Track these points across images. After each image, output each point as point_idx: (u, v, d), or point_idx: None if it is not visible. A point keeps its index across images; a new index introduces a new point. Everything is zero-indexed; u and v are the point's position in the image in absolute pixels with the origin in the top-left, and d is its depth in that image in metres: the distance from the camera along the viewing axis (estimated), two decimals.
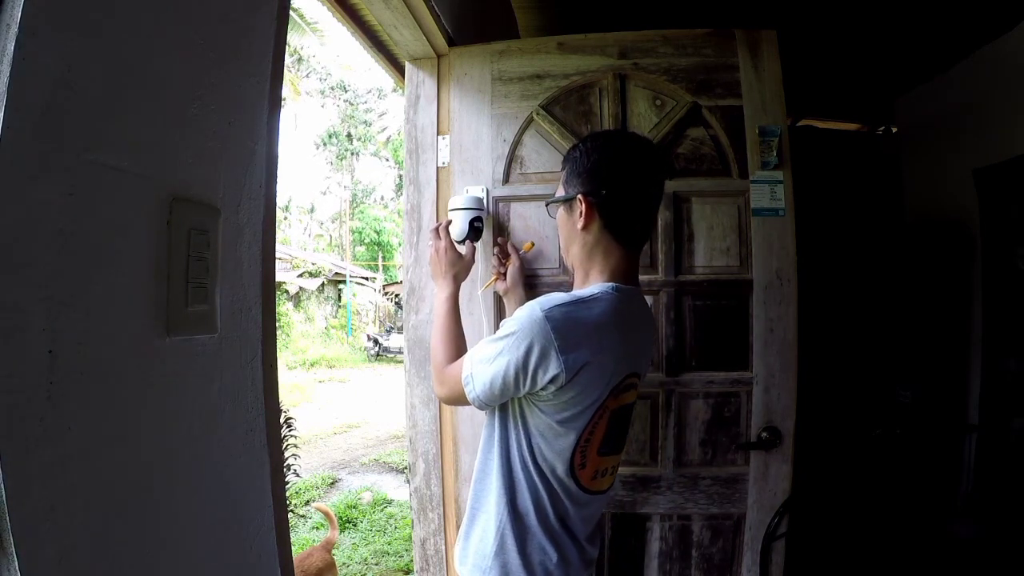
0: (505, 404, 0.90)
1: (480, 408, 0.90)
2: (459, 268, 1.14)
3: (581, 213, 0.90)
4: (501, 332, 0.84)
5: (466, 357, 0.91)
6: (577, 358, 0.80)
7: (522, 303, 1.03)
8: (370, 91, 21.58)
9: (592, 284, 0.91)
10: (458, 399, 0.92)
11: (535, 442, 0.88)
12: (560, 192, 0.96)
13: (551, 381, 0.80)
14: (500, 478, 0.90)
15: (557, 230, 0.99)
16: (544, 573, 0.89)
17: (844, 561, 1.99)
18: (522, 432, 0.88)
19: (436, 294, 1.14)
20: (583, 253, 0.92)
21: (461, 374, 0.89)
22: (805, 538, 1.56)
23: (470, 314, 1.40)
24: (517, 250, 1.30)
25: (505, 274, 1.28)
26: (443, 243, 1.16)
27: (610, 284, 0.88)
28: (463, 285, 1.17)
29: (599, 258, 0.91)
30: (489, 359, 0.84)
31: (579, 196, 0.90)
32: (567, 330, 0.80)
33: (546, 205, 1.01)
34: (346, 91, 20.66)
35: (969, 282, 2.13)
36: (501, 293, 1.31)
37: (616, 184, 0.89)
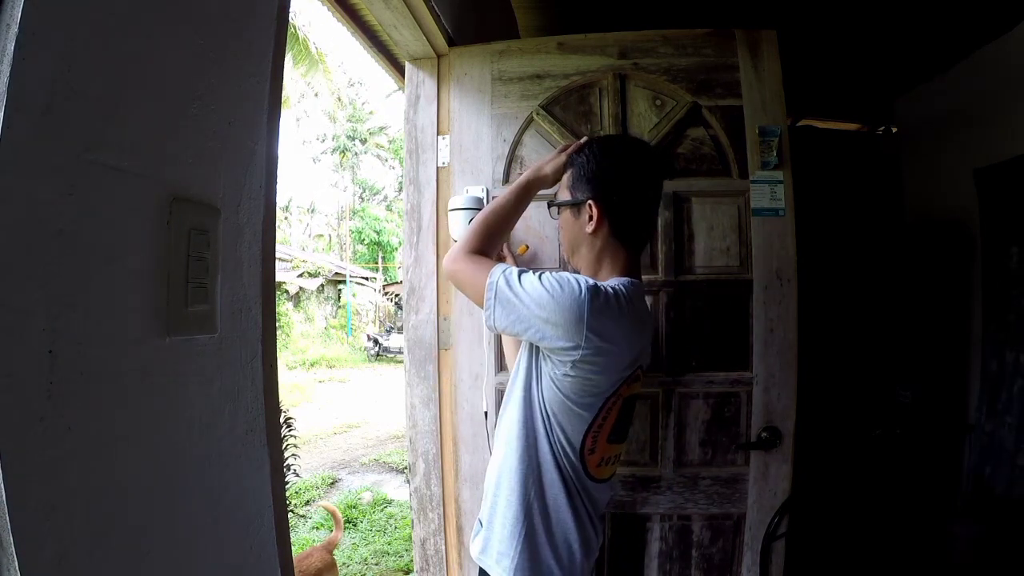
0: (530, 387, 0.90)
1: (490, 327, 0.88)
2: (551, 172, 1.03)
3: (591, 218, 0.91)
4: (546, 280, 0.83)
5: (500, 267, 0.88)
6: (601, 336, 0.81)
7: None
8: (352, 85, 21.30)
9: (605, 279, 0.92)
10: (465, 287, 0.92)
11: (560, 420, 0.88)
12: (565, 195, 0.97)
13: (566, 349, 0.81)
14: (525, 463, 0.90)
15: (557, 230, 0.99)
16: (568, 553, 0.90)
17: (844, 561, 1.99)
18: (548, 409, 0.89)
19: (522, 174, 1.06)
20: (591, 255, 0.95)
21: (488, 280, 0.86)
22: (805, 538, 1.56)
23: (470, 315, 1.40)
24: (513, 254, 1.30)
25: None
26: (555, 158, 1.05)
27: (626, 279, 0.91)
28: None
29: (607, 260, 0.94)
30: (519, 295, 0.83)
31: (590, 201, 0.91)
32: (599, 309, 0.81)
33: (549, 206, 1.02)
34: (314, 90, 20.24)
35: (969, 282, 2.13)
36: None
37: (625, 190, 0.92)
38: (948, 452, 2.11)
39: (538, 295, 0.82)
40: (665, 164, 1.05)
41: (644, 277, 1.35)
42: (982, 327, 2.07)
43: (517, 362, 0.96)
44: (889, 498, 2.07)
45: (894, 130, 2.71)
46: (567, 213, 0.97)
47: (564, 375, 0.85)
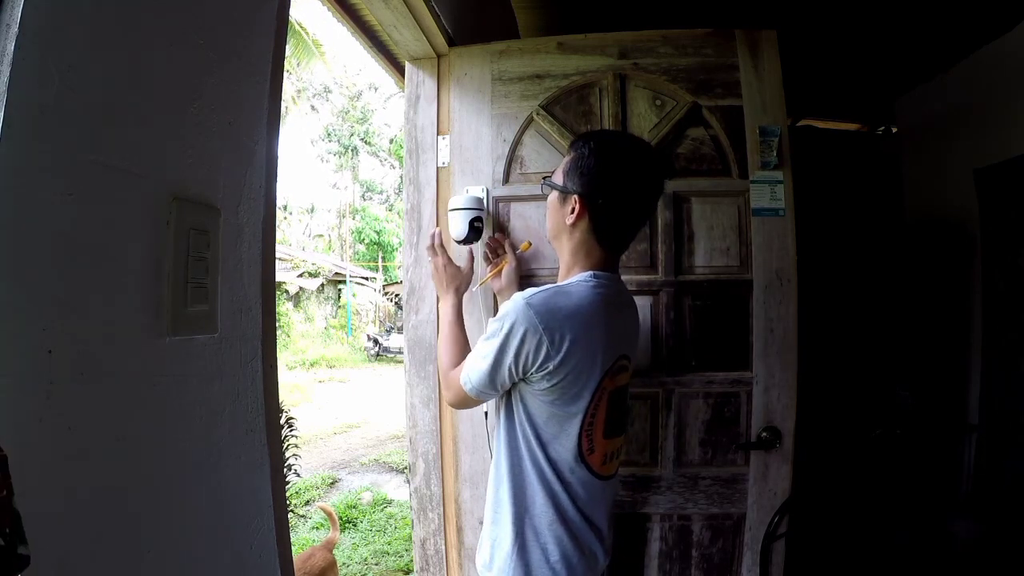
0: (511, 406, 0.93)
1: (482, 399, 0.95)
2: (460, 281, 1.19)
3: (573, 210, 0.93)
4: (490, 328, 0.89)
5: (466, 360, 0.95)
6: (563, 337, 0.84)
7: None
8: (367, 88, 21.47)
9: (573, 275, 0.95)
10: (464, 401, 0.96)
11: (544, 437, 0.90)
12: (559, 178, 0.97)
13: (542, 363, 0.84)
14: (514, 480, 0.92)
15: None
16: (568, 568, 0.90)
17: (844, 561, 1.99)
18: (529, 430, 0.91)
19: (440, 305, 1.18)
20: (570, 247, 0.97)
21: (461, 375, 0.94)
22: (805, 538, 1.56)
23: (469, 315, 1.40)
24: (514, 249, 1.30)
25: (501, 271, 1.29)
26: (441, 260, 1.20)
27: (588, 272, 0.93)
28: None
29: (582, 255, 0.96)
30: (483, 355, 0.89)
31: (575, 195, 0.92)
32: (549, 313, 0.84)
33: (543, 179, 1.03)
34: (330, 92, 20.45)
35: (969, 282, 2.12)
36: (496, 291, 1.32)
37: (613, 196, 0.92)
38: (948, 452, 2.11)
39: (491, 344, 0.87)
40: (666, 171, 1.07)
41: (644, 277, 1.36)
42: (982, 327, 2.06)
43: (497, 415, 0.98)
44: (889, 498, 2.07)
45: (894, 130, 2.71)
46: (555, 196, 0.98)
47: (544, 390, 0.87)
